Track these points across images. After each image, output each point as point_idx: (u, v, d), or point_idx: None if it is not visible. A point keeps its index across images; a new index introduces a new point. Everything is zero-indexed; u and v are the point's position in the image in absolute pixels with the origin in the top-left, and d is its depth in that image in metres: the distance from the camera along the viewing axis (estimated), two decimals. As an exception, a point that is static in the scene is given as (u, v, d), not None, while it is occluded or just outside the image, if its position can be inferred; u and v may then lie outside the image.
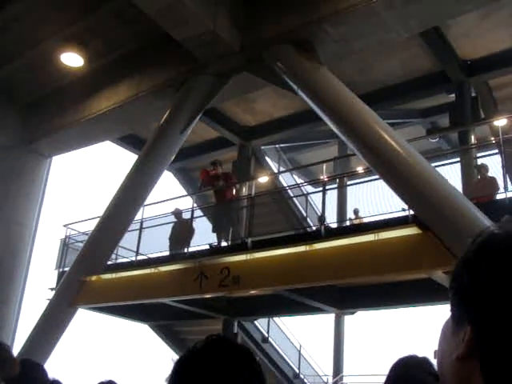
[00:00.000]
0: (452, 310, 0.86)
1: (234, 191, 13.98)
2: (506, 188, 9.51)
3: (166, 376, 1.54)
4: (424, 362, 2.42)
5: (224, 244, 13.06)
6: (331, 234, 10.57)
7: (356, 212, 13.16)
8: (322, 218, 11.61)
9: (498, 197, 10.20)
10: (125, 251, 14.08)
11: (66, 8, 11.99)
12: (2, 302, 14.18)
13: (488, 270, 0.78)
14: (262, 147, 17.86)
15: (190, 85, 12.15)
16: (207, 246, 12.67)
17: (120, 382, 4.78)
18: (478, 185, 10.85)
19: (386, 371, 2.52)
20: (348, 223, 13.43)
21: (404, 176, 9.07)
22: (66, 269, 13.79)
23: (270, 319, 16.87)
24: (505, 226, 0.82)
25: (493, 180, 10.44)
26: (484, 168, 10.81)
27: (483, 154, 11.94)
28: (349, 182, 12.99)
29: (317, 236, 10.71)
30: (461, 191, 9.97)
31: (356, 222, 12.96)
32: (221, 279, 11.03)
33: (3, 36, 12.87)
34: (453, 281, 0.85)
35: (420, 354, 2.47)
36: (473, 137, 12.96)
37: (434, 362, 0.93)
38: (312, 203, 16.06)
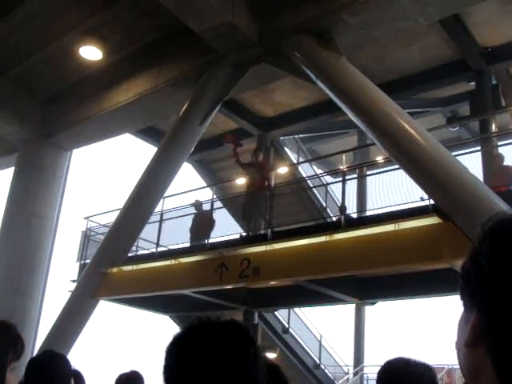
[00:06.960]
0: (461, 298, 0.87)
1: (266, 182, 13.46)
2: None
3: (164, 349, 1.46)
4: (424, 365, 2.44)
5: (251, 233, 12.95)
6: (351, 224, 10.52)
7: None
8: (342, 208, 11.52)
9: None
10: (145, 243, 14.15)
11: (84, 2, 12.03)
12: (25, 294, 14.32)
13: (488, 253, 0.79)
14: (281, 138, 17.80)
15: (209, 76, 12.15)
16: (227, 238, 12.63)
17: (142, 372, 4.83)
18: (498, 172, 10.72)
19: None
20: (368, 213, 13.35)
21: (424, 165, 9.00)
22: (88, 261, 13.91)
23: (291, 310, 16.89)
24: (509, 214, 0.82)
25: (507, 169, 10.32)
26: (499, 157, 10.69)
27: (504, 142, 11.80)
28: (368, 172, 12.91)
29: (337, 226, 10.68)
30: (481, 180, 9.87)
31: None
32: (241, 270, 11.05)
33: (22, 31, 12.94)
34: (461, 269, 0.86)
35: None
36: (493, 125, 12.80)
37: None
38: (332, 194, 16.00)
